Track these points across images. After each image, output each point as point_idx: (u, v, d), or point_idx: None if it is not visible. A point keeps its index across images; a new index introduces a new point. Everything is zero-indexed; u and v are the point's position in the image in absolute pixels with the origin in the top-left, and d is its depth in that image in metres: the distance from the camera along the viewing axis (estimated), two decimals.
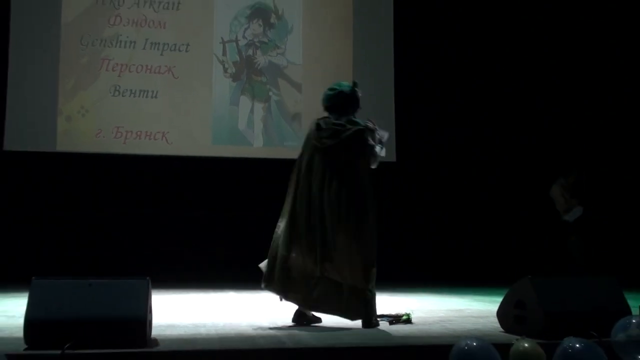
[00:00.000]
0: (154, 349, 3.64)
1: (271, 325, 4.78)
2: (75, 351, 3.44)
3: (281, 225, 4.87)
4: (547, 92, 11.32)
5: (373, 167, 4.89)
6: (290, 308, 6.10)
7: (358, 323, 4.71)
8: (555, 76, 11.32)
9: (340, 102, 4.99)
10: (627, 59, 11.09)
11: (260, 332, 4.42)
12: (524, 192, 10.90)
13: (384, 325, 4.76)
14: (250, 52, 10.55)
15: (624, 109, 11.04)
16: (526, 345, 3.53)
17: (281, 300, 6.74)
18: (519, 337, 3.68)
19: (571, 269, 9.43)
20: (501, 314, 4.61)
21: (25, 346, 3.58)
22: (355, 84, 5.08)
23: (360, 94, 5.02)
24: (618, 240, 10.37)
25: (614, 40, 11.13)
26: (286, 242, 4.76)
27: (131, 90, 10.05)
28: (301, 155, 4.92)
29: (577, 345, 3.47)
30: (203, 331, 4.42)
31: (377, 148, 4.90)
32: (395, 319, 4.91)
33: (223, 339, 4.10)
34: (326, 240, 4.64)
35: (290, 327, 4.78)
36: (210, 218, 10.14)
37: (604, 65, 11.20)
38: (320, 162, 4.78)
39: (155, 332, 4.08)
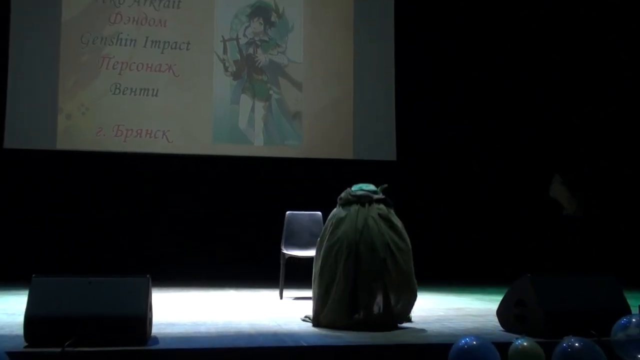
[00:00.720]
0: (154, 347, 3.64)
1: (271, 324, 4.78)
2: (76, 349, 3.44)
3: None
4: (548, 87, 11.30)
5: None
6: (290, 306, 6.11)
7: None
8: (556, 71, 11.30)
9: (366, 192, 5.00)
10: (629, 53, 11.08)
11: (259, 330, 4.42)
12: (525, 188, 10.91)
13: None
14: (250, 50, 10.54)
15: (625, 104, 11.03)
16: (525, 344, 3.53)
17: (281, 298, 6.79)
18: (518, 336, 3.69)
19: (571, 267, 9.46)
20: (501, 312, 4.62)
21: (26, 344, 3.58)
22: (383, 187, 5.15)
23: (382, 195, 5.04)
24: (618, 238, 10.38)
25: (615, 35, 11.13)
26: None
27: (132, 89, 10.05)
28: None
29: (577, 345, 3.48)
30: (203, 329, 4.42)
31: None
32: None
33: (223, 337, 4.11)
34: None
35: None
36: (211, 216, 10.15)
37: (605, 60, 11.19)
38: (354, 211, 4.82)
39: (155, 330, 4.08)
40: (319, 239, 4.99)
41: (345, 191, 5.02)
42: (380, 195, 4.96)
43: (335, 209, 5.00)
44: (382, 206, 4.88)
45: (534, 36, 11.32)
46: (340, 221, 4.80)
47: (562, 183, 9.89)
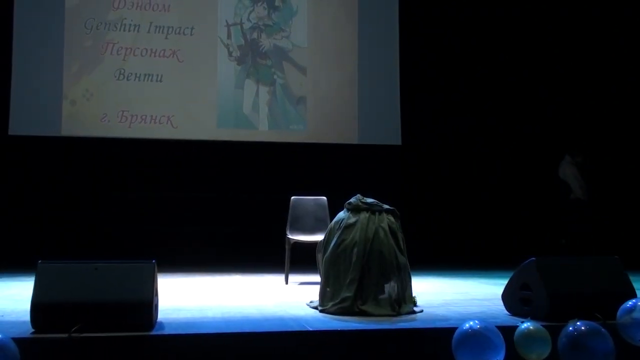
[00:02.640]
0: (160, 333, 3.65)
1: (277, 309, 4.78)
2: (82, 335, 3.45)
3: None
4: (550, 82, 11.28)
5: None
6: (296, 291, 6.12)
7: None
8: (559, 65, 11.28)
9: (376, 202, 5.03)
10: (631, 47, 11.05)
11: (265, 315, 4.43)
12: (531, 171, 10.91)
13: None
14: (255, 35, 10.51)
15: (627, 98, 11.02)
16: (530, 327, 3.54)
17: (287, 283, 6.80)
18: (524, 320, 3.69)
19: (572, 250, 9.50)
20: (506, 296, 4.62)
21: (32, 330, 3.59)
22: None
23: (390, 206, 5.05)
24: (624, 222, 10.41)
25: (618, 30, 11.09)
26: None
27: (136, 74, 10.04)
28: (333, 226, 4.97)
29: (582, 328, 3.48)
30: (209, 314, 4.43)
31: None
32: None
33: (229, 322, 4.11)
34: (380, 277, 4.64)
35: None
36: (216, 201, 10.16)
37: (607, 54, 11.16)
38: (365, 218, 4.80)
39: (161, 315, 4.09)
40: (321, 241, 5.01)
41: (355, 197, 5.00)
42: (389, 207, 4.94)
43: (341, 213, 4.97)
44: (391, 218, 4.86)
45: (537, 30, 11.27)
46: (349, 227, 4.78)
47: (572, 164, 9.91)
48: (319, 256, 5.08)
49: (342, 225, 4.81)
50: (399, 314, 4.47)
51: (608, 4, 11.13)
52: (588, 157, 10.10)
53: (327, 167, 10.36)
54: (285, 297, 5.57)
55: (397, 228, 4.83)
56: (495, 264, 8.91)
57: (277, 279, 7.28)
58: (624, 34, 11.11)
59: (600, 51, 11.20)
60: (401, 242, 4.80)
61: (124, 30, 10.07)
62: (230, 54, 10.39)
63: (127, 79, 10.01)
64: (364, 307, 4.46)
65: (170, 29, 10.20)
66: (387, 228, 4.74)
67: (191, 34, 10.25)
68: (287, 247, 6.95)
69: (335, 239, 4.78)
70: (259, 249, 9.52)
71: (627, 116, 11.02)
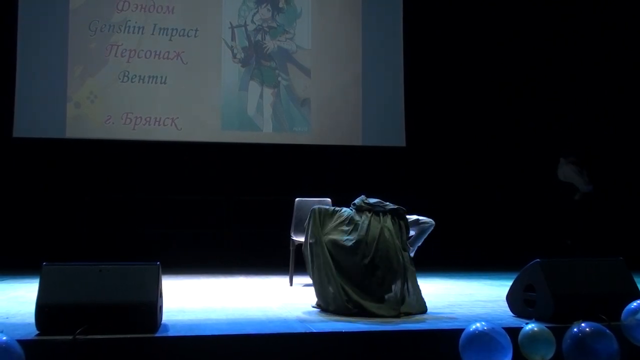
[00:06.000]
0: (165, 334, 3.66)
1: (281, 310, 4.79)
2: (87, 336, 3.46)
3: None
4: (552, 82, 11.25)
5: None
6: (300, 293, 6.13)
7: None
8: (561, 63, 11.26)
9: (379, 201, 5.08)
10: (632, 50, 11.05)
11: (270, 317, 4.43)
12: (533, 173, 10.89)
13: None
14: (259, 37, 10.51)
15: (627, 98, 11.02)
16: (535, 329, 3.53)
17: (291, 284, 6.79)
18: (528, 321, 3.69)
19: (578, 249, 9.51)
20: (511, 298, 4.62)
21: (37, 332, 3.60)
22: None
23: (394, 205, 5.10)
24: (627, 224, 10.41)
25: (615, 34, 11.10)
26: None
27: (140, 76, 10.04)
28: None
29: (587, 329, 3.48)
30: (213, 316, 4.44)
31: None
32: None
33: (233, 324, 4.12)
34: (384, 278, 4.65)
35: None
36: (220, 203, 10.17)
37: (609, 55, 11.15)
38: (366, 218, 4.82)
39: (165, 317, 4.10)
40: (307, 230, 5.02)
41: (359, 198, 5.03)
42: (393, 205, 4.95)
43: (348, 209, 5.01)
44: (395, 218, 4.88)
45: (540, 30, 11.26)
46: (353, 226, 4.80)
47: (568, 163, 9.96)
48: (306, 251, 5.06)
49: (346, 219, 4.83)
50: (402, 313, 4.47)
51: (607, 5, 11.10)
52: (580, 153, 10.13)
53: (331, 169, 10.36)
54: (290, 299, 5.58)
55: (403, 226, 4.85)
56: (500, 266, 8.90)
57: (281, 280, 7.28)
58: (624, 38, 11.10)
59: (600, 52, 11.18)
60: (406, 241, 4.81)
61: (128, 32, 10.08)
62: (234, 55, 10.40)
63: (132, 81, 10.02)
64: (368, 307, 4.46)
65: (175, 31, 10.20)
66: (391, 228, 4.76)
67: (195, 36, 10.26)
68: (291, 248, 6.95)
69: (339, 239, 4.78)
70: (263, 251, 9.53)
71: (627, 116, 11.01)
